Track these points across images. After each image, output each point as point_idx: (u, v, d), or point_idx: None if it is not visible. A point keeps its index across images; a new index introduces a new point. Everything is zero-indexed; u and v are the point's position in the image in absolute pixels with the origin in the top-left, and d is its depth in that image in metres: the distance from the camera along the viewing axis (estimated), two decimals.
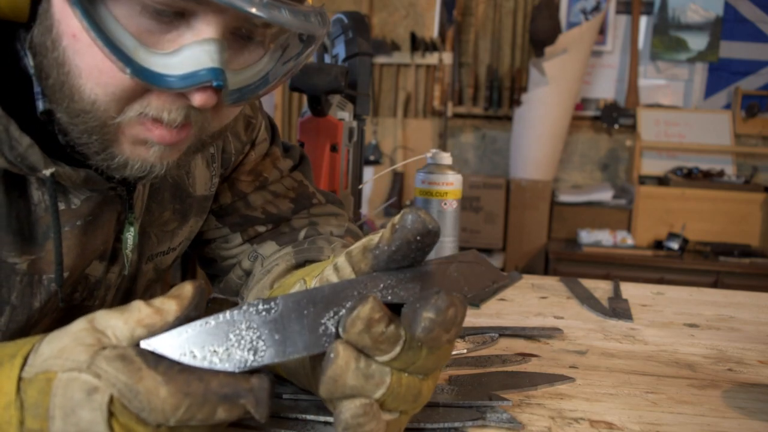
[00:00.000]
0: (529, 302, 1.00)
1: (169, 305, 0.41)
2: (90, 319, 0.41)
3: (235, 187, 0.76)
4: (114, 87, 0.46)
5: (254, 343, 0.41)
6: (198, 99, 0.47)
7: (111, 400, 0.38)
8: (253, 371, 0.41)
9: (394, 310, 0.46)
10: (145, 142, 0.50)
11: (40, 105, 0.50)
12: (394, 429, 0.46)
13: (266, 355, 0.41)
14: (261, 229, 0.76)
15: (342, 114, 1.11)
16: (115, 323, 0.40)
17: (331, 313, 0.43)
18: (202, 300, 0.43)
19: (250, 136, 0.77)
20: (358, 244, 0.48)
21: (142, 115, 0.48)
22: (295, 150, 0.85)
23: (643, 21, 3.55)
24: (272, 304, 0.42)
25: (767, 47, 3.45)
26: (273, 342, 0.41)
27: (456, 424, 0.54)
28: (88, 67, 0.46)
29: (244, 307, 0.42)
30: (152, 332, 0.41)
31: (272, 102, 3.67)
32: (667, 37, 3.52)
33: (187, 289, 0.42)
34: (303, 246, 0.71)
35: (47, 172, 0.49)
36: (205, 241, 0.78)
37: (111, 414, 0.38)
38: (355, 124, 1.16)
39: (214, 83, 0.46)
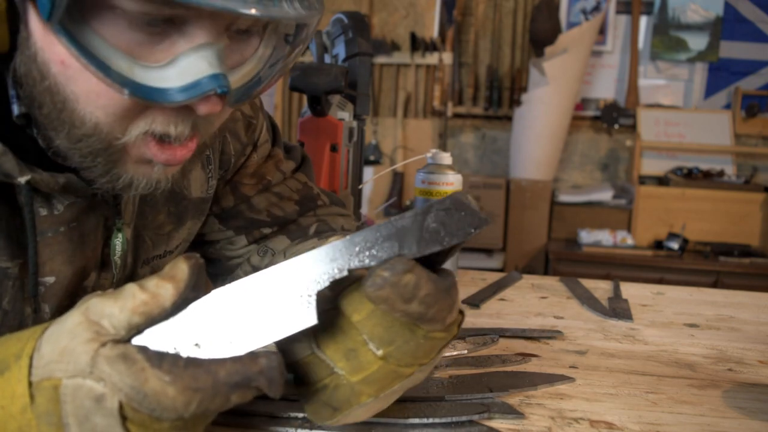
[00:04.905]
0: (529, 302, 1.00)
1: (164, 289, 0.40)
2: (84, 310, 0.39)
3: (238, 190, 0.76)
4: (114, 108, 0.45)
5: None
6: (203, 109, 0.45)
7: (121, 405, 0.37)
8: (260, 350, 0.40)
9: None
10: (149, 161, 0.49)
11: (15, 109, 0.48)
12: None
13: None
14: (266, 231, 0.76)
15: (342, 114, 1.11)
16: (111, 311, 0.39)
17: (318, 278, 0.43)
18: (201, 278, 0.41)
19: (251, 138, 0.76)
20: None
21: (147, 133, 0.47)
22: (296, 151, 0.84)
23: (643, 21, 3.55)
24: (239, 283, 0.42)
25: (767, 47, 3.45)
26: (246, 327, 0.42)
27: (463, 419, 0.54)
28: (84, 92, 0.44)
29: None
30: (150, 319, 0.40)
31: (272, 102, 3.67)
32: (667, 37, 3.52)
33: (182, 269, 0.41)
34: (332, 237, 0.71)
35: (22, 179, 0.48)
36: (207, 242, 0.77)
37: (124, 417, 0.38)
38: (355, 124, 1.16)
39: (219, 90, 0.44)
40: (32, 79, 0.45)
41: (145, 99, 0.44)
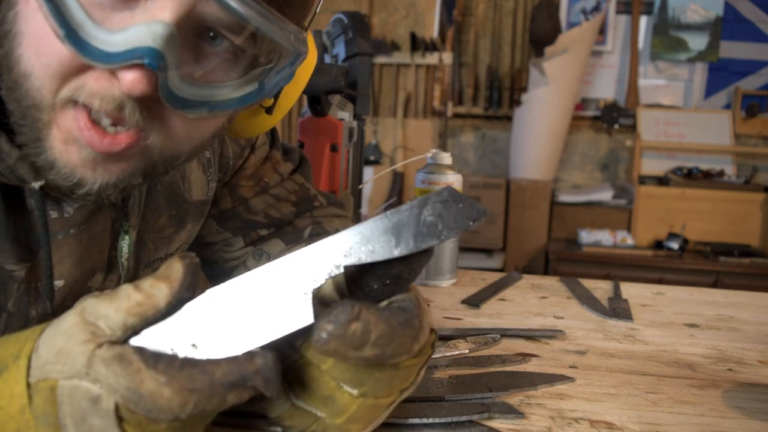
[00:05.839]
0: (529, 302, 1.00)
1: (159, 289, 0.40)
2: (80, 311, 0.39)
3: (236, 192, 0.76)
4: (49, 57, 0.43)
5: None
6: (126, 79, 0.42)
7: (117, 406, 0.37)
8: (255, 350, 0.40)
9: (371, 269, 0.44)
10: (76, 141, 0.45)
11: None
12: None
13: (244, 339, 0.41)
14: (263, 232, 0.76)
15: (342, 114, 1.11)
16: (106, 312, 0.39)
17: (314, 275, 0.42)
18: (195, 278, 0.41)
19: (249, 140, 0.76)
20: None
21: (74, 103, 0.44)
22: (294, 152, 0.84)
23: (643, 21, 3.55)
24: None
25: (767, 47, 3.45)
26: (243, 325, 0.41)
27: (463, 419, 0.54)
28: (30, 32, 0.43)
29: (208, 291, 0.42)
30: (144, 320, 0.39)
31: None
32: (667, 37, 3.52)
33: (176, 268, 0.40)
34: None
35: (36, 184, 0.48)
36: (206, 244, 0.77)
37: (120, 419, 0.38)
38: (355, 124, 1.16)
39: (145, 61, 0.41)
40: (2, 16, 0.44)
41: (77, 50, 0.41)
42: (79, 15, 0.42)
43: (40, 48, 0.43)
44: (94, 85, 0.43)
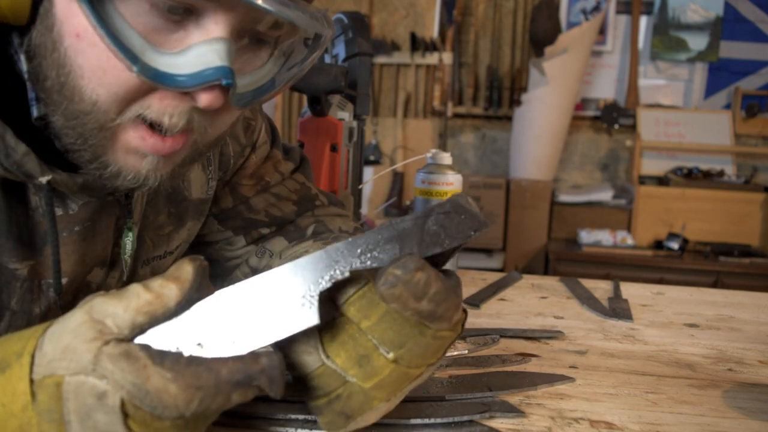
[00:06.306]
0: (529, 302, 1.00)
1: (169, 289, 0.40)
2: (87, 309, 0.40)
3: (237, 191, 0.76)
4: (117, 87, 0.45)
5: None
6: (204, 99, 0.45)
7: (122, 402, 0.37)
8: (261, 350, 0.41)
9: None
10: (137, 151, 0.48)
11: (34, 111, 0.49)
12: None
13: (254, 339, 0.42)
14: (264, 231, 0.77)
15: (342, 114, 1.11)
16: (114, 311, 0.39)
17: (320, 279, 0.43)
18: (204, 279, 0.42)
19: (250, 139, 0.76)
20: None
21: (140, 117, 0.46)
22: (295, 152, 0.85)
23: (643, 21, 3.55)
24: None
25: (767, 47, 3.45)
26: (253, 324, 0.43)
27: (464, 418, 0.54)
28: (92, 67, 0.44)
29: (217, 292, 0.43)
30: (153, 319, 0.40)
31: (272, 102, 3.67)
32: (667, 37, 3.52)
33: (186, 270, 0.41)
34: (328, 239, 0.71)
35: (43, 179, 0.48)
36: (207, 243, 0.78)
37: (126, 415, 0.38)
38: (355, 124, 1.16)
39: (224, 82, 0.44)
40: (44, 49, 0.45)
41: (152, 80, 0.44)
42: (140, 43, 0.44)
43: (104, 79, 0.45)
44: (160, 104, 0.46)
